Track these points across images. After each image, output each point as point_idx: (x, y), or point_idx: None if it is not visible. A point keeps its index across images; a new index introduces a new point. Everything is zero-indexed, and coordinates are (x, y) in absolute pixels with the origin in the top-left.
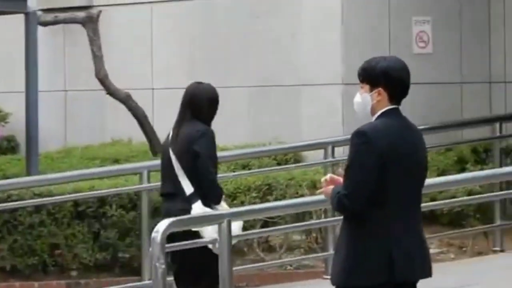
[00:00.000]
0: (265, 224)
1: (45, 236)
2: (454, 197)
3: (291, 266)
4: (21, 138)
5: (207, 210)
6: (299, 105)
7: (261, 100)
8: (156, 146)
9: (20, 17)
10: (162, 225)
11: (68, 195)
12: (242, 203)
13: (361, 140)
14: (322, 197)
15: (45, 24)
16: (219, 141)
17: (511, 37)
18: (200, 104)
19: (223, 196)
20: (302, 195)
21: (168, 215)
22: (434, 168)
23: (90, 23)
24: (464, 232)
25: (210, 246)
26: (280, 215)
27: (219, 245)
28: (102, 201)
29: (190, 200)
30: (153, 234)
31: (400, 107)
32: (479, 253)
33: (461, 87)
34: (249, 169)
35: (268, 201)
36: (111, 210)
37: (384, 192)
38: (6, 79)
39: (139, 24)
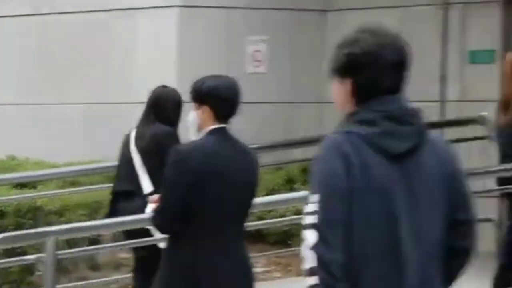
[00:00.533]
0: (94, 241)
1: None
2: (283, 216)
3: (115, 284)
4: None
5: None
6: (134, 123)
7: (96, 118)
8: None
9: None
10: None
11: None
12: (70, 221)
13: (174, 158)
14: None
15: None
16: (53, 158)
17: None
18: (163, 107)
19: None
20: None
21: (124, 214)
22: (263, 187)
23: None
24: (290, 251)
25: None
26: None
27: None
28: None
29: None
30: None
31: (230, 126)
32: None
33: (294, 107)
34: (78, 186)
35: (95, 219)
36: None
37: (199, 211)
38: None
39: None
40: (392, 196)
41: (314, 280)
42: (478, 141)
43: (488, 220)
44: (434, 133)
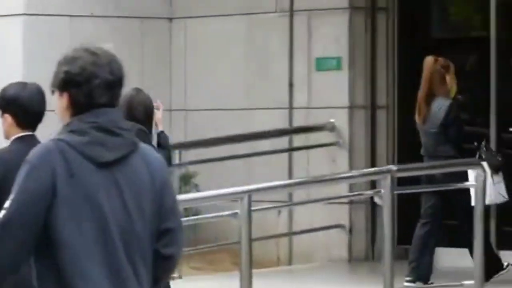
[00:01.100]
0: None
1: None
2: None
3: None
4: None
5: None
6: None
7: None
8: None
9: None
10: None
11: None
12: None
13: None
14: None
15: None
16: None
17: (191, 67)
18: (135, 110)
19: None
20: None
21: None
22: None
23: None
24: None
25: None
26: None
27: None
28: None
29: None
30: None
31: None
32: None
33: None
34: None
35: None
36: None
37: None
38: None
39: None
40: (100, 202)
41: None
42: (327, 148)
43: (339, 226)
44: (145, 147)
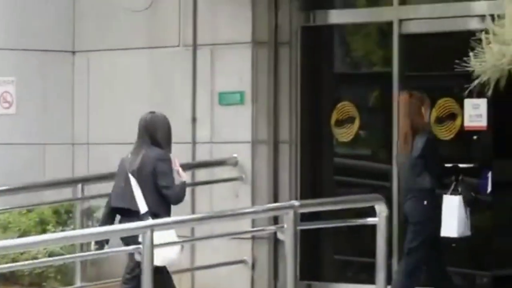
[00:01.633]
0: None
1: None
2: (35, 258)
3: None
4: None
5: None
6: None
7: None
8: None
9: None
10: None
11: None
12: None
13: None
14: None
15: None
16: None
17: (95, 100)
18: (156, 132)
19: None
20: None
21: None
22: (15, 230)
23: None
24: None
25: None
26: None
27: None
28: None
29: (144, 217)
30: None
31: None
32: None
33: (45, 148)
34: None
35: None
36: None
37: None
38: None
39: None
40: None
41: None
42: (230, 183)
43: (242, 262)
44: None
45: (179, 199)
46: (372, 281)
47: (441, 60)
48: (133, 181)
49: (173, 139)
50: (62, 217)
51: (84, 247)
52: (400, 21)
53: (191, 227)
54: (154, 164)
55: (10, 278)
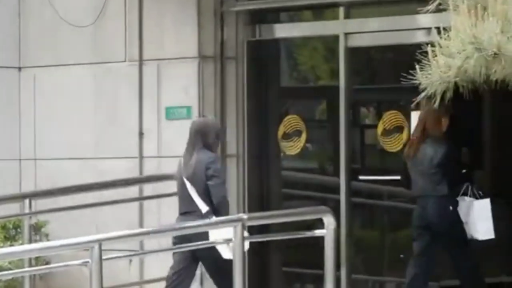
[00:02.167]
0: None
1: None
2: None
3: None
4: None
5: None
6: None
7: None
8: None
9: None
10: None
11: None
12: None
13: None
14: None
15: None
16: None
17: (41, 115)
18: (207, 135)
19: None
20: None
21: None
22: None
23: None
24: None
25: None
26: None
27: None
28: None
29: (206, 216)
30: None
31: None
32: None
33: None
34: None
35: None
36: None
37: None
38: None
39: None
40: None
41: None
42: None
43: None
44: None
45: (221, 196)
46: None
47: (387, 73)
48: (189, 185)
49: (120, 154)
50: (10, 232)
51: (32, 261)
52: (346, 34)
53: (140, 240)
54: (207, 166)
55: None
